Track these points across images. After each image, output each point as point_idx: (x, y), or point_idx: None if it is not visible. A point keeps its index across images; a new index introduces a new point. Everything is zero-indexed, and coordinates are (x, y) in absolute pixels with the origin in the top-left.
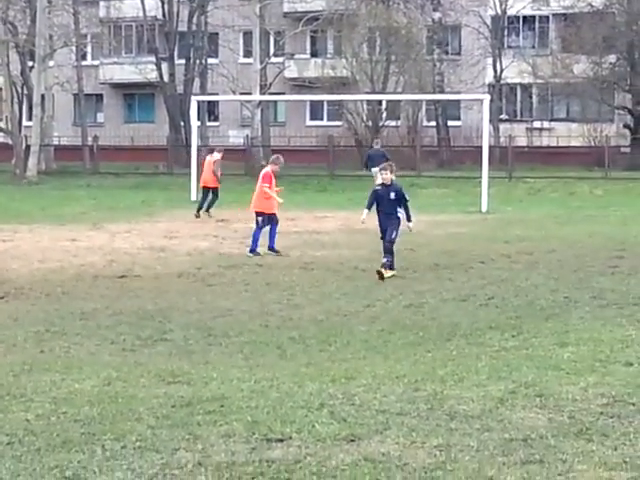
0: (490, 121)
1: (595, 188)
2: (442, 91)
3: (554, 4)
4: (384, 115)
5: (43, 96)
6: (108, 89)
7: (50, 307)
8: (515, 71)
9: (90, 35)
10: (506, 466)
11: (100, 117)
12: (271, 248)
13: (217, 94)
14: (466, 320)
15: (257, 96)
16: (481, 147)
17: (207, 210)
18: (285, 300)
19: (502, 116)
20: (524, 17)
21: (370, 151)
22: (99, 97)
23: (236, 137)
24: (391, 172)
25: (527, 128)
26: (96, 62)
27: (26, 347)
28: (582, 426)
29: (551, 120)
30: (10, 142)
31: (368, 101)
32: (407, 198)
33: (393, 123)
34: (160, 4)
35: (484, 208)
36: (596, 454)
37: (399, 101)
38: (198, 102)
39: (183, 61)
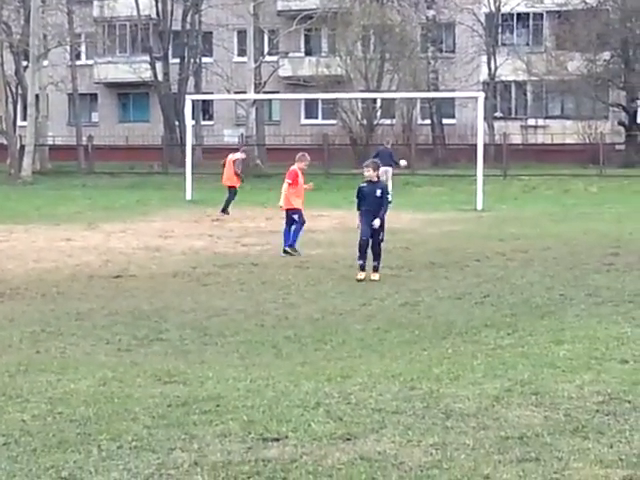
0: (485, 119)
1: (590, 185)
2: (436, 89)
3: (548, 1)
4: (379, 113)
5: (37, 96)
6: (102, 88)
7: (45, 307)
8: (509, 69)
9: (84, 35)
10: (502, 464)
11: (95, 117)
12: (292, 246)
13: (212, 93)
14: (462, 318)
15: (251, 95)
16: (476, 145)
17: (223, 209)
18: (281, 299)
19: (497, 114)
20: (518, 14)
21: (379, 149)
22: (93, 97)
23: (231, 136)
24: (374, 170)
25: (522, 126)
26: (90, 62)
27: (22, 347)
28: (578, 424)
29: (546, 117)
30: (5, 142)
31: (363, 99)
32: (390, 200)
33: (388, 121)
34: (154, 3)
35: (479, 206)
36: (592, 452)
37: (394, 99)
38: (192, 101)
39: (177, 60)
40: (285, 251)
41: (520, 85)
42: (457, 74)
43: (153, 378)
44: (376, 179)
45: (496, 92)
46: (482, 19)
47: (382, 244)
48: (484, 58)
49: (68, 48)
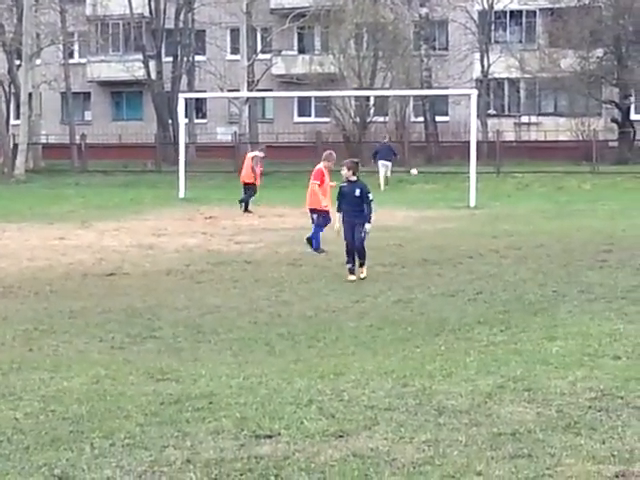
0: (478, 116)
1: (583, 182)
2: (430, 86)
3: None
4: (372, 111)
5: (30, 94)
6: (96, 87)
7: (39, 305)
8: (502, 66)
9: (77, 33)
10: (494, 460)
11: (88, 115)
12: (317, 249)
13: (205, 91)
14: (455, 315)
15: (245, 93)
16: (469, 142)
17: (245, 208)
18: (274, 297)
19: (490, 111)
20: (511, 12)
21: (378, 145)
22: (87, 95)
23: (224, 134)
24: (348, 169)
25: (515, 123)
26: (83, 60)
27: (15, 346)
28: (570, 420)
29: (539, 115)
30: None
31: (356, 97)
32: (371, 198)
33: (381, 119)
34: (147, 2)
35: (472, 203)
36: (584, 448)
37: (387, 97)
38: (185, 99)
39: (170, 58)
40: (316, 249)
41: (513, 82)
42: (450, 71)
43: (146, 376)
44: (354, 178)
45: (489, 89)
46: (475, 16)
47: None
48: (477, 55)
49: (61, 47)
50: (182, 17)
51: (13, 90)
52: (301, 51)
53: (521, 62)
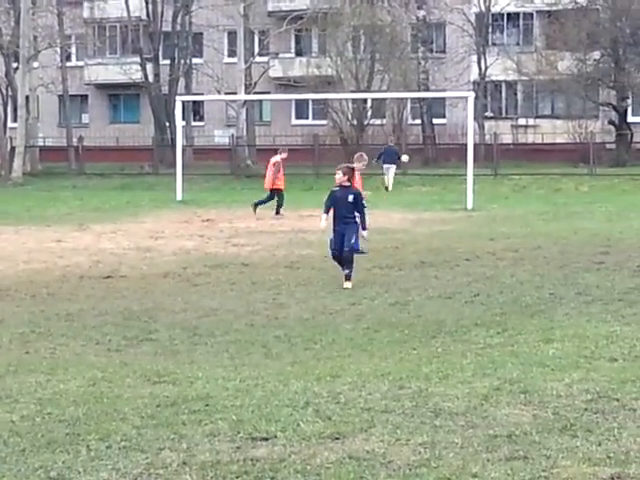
0: (475, 118)
1: (580, 185)
2: (427, 89)
3: (538, 1)
4: (369, 113)
5: (28, 97)
6: (93, 90)
7: (35, 308)
8: (500, 68)
9: (74, 36)
10: (490, 462)
11: (85, 118)
12: (357, 250)
13: (202, 94)
14: (451, 317)
15: (242, 96)
16: (466, 145)
17: (277, 212)
18: (271, 299)
19: (487, 113)
20: (508, 14)
21: (384, 147)
22: (84, 98)
23: (221, 137)
24: (344, 174)
25: (512, 125)
26: (81, 63)
27: (11, 348)
28: (566, 422)
29: (536, 117)
30: None
31: (353, 99)
32: (364, 204)
33: (378, 121)
34: (144, 4)
35: (469, 205)
36: (580, 450)
37: (384, 99)
38: (183, 102)
39: (168, 61)
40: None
41: (510, 85)
42: (447, 74)
43: (142, 378)
44: (347, 184)
45: (486, 92)
46: (472, 19)
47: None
48: (474, 58)
49: (58, 49)
50: (179, 20)
51: (10, 93)
52: (298, 54)
53: (518, 64)
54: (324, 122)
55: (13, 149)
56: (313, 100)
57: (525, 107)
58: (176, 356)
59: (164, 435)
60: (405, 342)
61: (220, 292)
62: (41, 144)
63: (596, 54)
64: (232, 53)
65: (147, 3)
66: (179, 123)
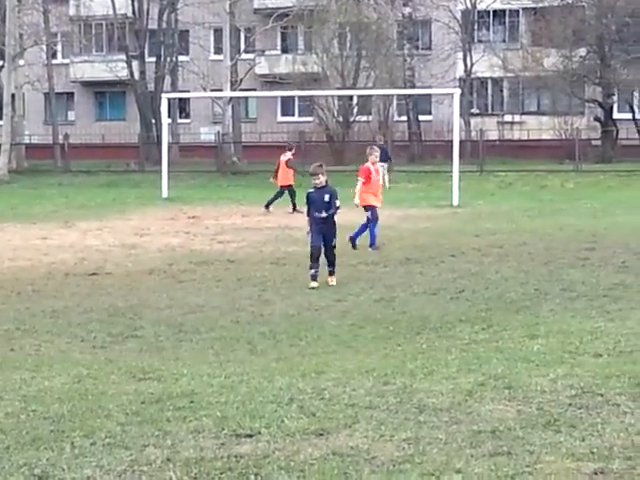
0: (461, 115)
1: (566, 181)
2: (413, 86)
3: None
4: (355, 110)
5: (13, 95)
6: (79, 87)
7: (21, 305)
8: (486, 65)
9: (60, 34)
10: (474, 458)
11: (71, 115)
12: (372, 245)
13: (188, 91)
14: (436, 313)
15: (228, 92)
16: (452, 141)
17: (293, 209)
18: (256, 296)
19: (473, 110)
20: (494, 11)
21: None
22: (70, 95)
23: (207, 134)
24: (322, 175)
25: (498, 122)
26: (66, 60)
27: None
28: (550, 417)
29: (522, 114)
30: None
31: (339, 96)
32: (338, 205)
33: (364, 118)
34: (130, 2)
35: (455, 202)
36: (564, 445)
37: (370, 96)
38: (169, 99)
39: (154, 59)
40: (371, 245)
41: (496, 81)
42: (433, 71)
43: (127, 375)
44: (324, 184)
45: (472, 88)
46: (458, 16)
47: (335, 250)
48: (460, 55)
49: (44, 47)
50: (165, 17)
51: None
52: (284, 51)
53: (504, 61)
54: (310, 119)
55: None
56: (299, 97)
57: (511, 104)
58: (161, 353)
59: (148, 432)
60: (390, 338)
61: (205, 289)
62: (27, 142)
63: (582, 51)
64: (218, 50)
65: (133, 1)
66: (165, 120)
